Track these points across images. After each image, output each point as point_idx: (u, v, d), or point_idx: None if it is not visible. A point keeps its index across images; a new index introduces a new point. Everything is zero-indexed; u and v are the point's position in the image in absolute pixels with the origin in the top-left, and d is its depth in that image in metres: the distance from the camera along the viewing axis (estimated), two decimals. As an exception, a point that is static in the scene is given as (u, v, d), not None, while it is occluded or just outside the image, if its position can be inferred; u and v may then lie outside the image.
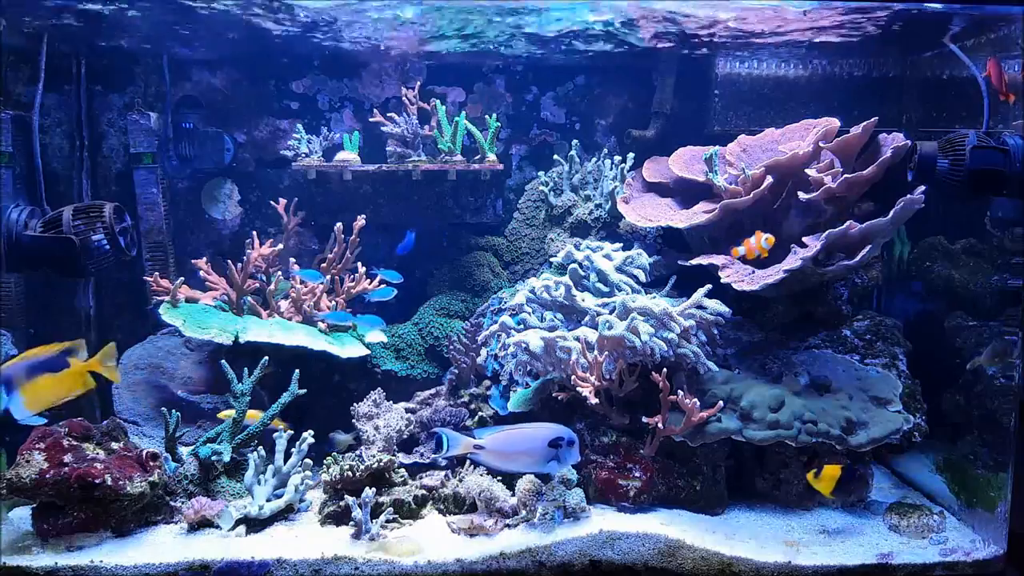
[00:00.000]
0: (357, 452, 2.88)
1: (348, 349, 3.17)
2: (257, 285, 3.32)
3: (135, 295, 3.58)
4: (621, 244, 3.29)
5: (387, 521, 2.56)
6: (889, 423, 2.77)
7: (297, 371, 2.90)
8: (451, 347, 3.32)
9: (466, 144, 3.59)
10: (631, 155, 3.61)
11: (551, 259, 3.43)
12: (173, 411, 2.84)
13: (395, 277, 3.41)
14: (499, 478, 2.72)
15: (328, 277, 3.36)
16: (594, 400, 2.65)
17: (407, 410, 3.14)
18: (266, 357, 2.91)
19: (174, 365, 3.28)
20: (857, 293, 3.40)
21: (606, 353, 2.72)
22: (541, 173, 3.78)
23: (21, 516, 2.57)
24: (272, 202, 3.52)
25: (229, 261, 3.25)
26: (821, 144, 3.06)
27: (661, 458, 2.76)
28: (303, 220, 3.60)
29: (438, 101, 3.53)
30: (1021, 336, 2.82)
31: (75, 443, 2.54)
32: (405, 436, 3.01)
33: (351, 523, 2.55)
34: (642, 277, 3.13)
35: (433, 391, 3.28)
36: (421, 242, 3.72)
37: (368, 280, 3.36)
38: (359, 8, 2.93)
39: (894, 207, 2.77)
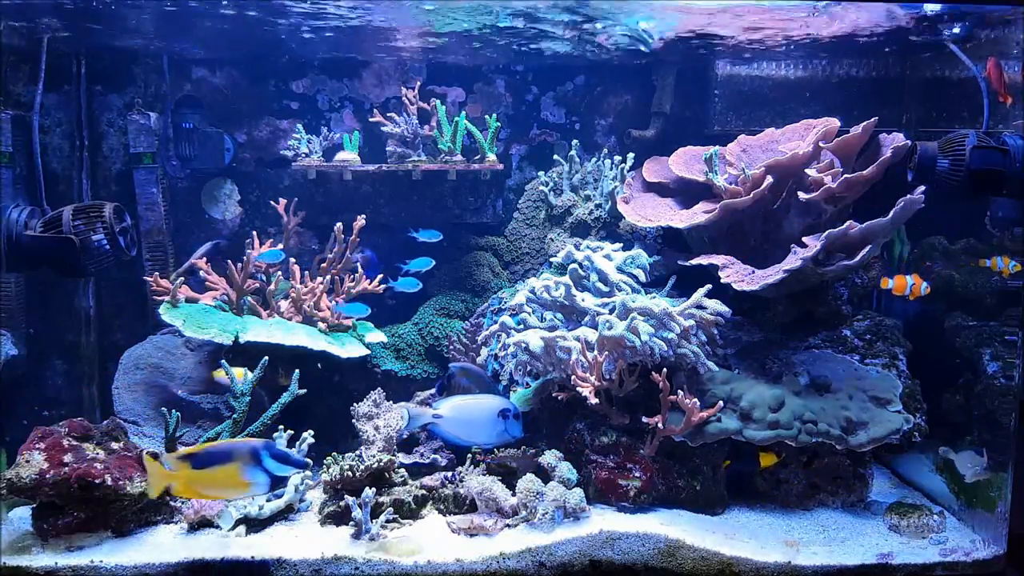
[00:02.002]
0: (357, 452, 2.88)
1: (348, 349, 3.18)
2: (257, 285, 3.32)
3: (135, 295, 3.58)
4: (621, 244, 3.29)
5: (387, 521, 2.56)
6: (889, 423, 2.77)
7: (297, 371, 2.90)
8: (451, 347, 3.32)
9: (466, 144, 3.59)
10: (631, 155, 3.61)
11: (551, 259, 3.43)
12: (173, 411, 2.83)
13: (435, 236, 3.45)
14: (499, 478, 2.72)
15: (328, 277, 3.36)
16: (594, 400, 2.65)
17: (407, 410, 3.14)
18: (266, 357, 2.91)
19: (174, 365, 3.28)
20: (857, 293, 3.40)
21: (606, 353, 2.71)
22: (541, 173, 3.78)
23: (21, 516, 2.57)
24: (272, 202, 3.52)
25: (229, 261, 3.25)
26: (821, 144, 3.06)
27: (661, 458, 2.76)
28: (303, 220, 3.60)
29: (438, 101, 3.53)
30: (1021, 336, 2.82)
31: (75, 443, 2.53)
32: (405, 436, 3.00)
33: (351, 523, 2.55)
34: (642, 277, 3.13)
35: (433, 391, 3.28)
36: (421, 242, 3.72)
37: (368, 280, 3.36)
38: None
39: (894, 207, 2.77)
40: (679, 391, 2.63)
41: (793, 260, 2.82)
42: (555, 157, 3.78)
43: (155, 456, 2.24)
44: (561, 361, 2.77)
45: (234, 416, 2.86)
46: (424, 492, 2.75)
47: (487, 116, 3.61)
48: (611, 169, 3.62)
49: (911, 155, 3.02)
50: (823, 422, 2.69)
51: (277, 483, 2.28)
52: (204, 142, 3.60)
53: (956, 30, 3.00)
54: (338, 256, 3.38)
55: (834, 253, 2.92)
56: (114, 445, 2.64)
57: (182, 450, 2.26)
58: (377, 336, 3.38)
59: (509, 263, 3.82)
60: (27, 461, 2.43)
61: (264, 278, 3.36)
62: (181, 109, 3.61)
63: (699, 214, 3.16)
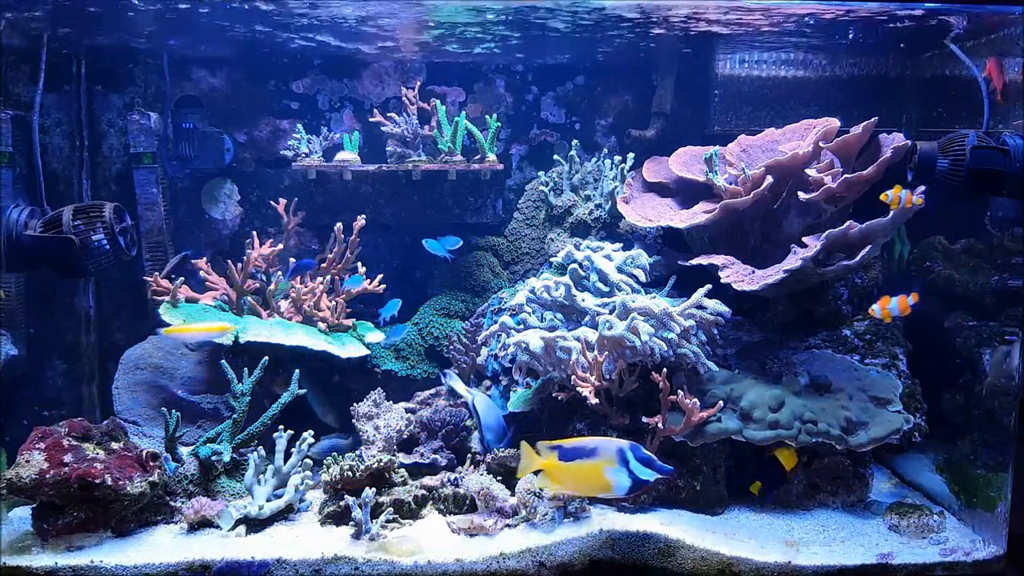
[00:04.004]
0: (357, 452, 2.88)
1: (348, 349, 3.18)
2: (257, 285, 3.32)
3: (135, 295, 3.58)
4: (621, 244, 3.29)
5: (387, 521, 2.56)
6: (889, 423, 2.77)
7: (297, 371, 2.91)
8: (451, 347, 3.33)
9: (466, 144, 3.59)
10: (631, 155, 3.61)
11: (551, 259, 3.43)
12: (173, 411, 2.84)
13: (455, 243, 3.50)
14: (499, 478, 2.72)
15: (328, 277, 3.36)
16: (594, 400, 2.65)
17: (407, 410, 3.14)
18: (266, 357, 2.91)
19: (174, 365, 3.28)
20: (857, 293, 3.40)
21: (606, 353, 2.71)
22: (541, 173, 3.78)
23: (21, 516, 2.57)
24: (272, 202, 3.52)
25: (229, 261, 3.25)
26: (821, 144, 3.06)
27: (661, 458, 2.75)
28: (303, 220, 3.60)
29: (438, 101, 3.53)
30: (1021, 336, 2.82)
31: (75, 443, 2.53)
32: (405, 436, 3.00)
33: (351, 523, 2.55)
34: (642, 277, 3.13)
35: (433, 391, 3.28)
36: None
37: (369, 280, 3.36)
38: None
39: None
40: (679, 391, 2.63)
41: (793, 260, 2.82)
42: (555, 157, 3.78)
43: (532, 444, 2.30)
44: (561, 361, 2.77)
45: (234, 416, 2.86)
46: (424, 492, 2.75)
47: (487, 116, 3.61)
48: (611, 169, 3.62)
49: (911, 155, 3.02)
50: (823, 422, 2.69)
51: (637, 486, 2.24)
52: (204, 142, 3.60)
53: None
54: (338, 256, 3.38)
55: (834, 253, 2.92)
56: (114, 445, 2.64)
57: (554, 441, 2.29)
58: (377, 336, 3.38)
59: (509, 263, 3.82)
60: (27, 461, 2.43)
61: (264, 278, 3.36)
62: (181, 109, 3.61)
63: (699, 214, 3.16)
